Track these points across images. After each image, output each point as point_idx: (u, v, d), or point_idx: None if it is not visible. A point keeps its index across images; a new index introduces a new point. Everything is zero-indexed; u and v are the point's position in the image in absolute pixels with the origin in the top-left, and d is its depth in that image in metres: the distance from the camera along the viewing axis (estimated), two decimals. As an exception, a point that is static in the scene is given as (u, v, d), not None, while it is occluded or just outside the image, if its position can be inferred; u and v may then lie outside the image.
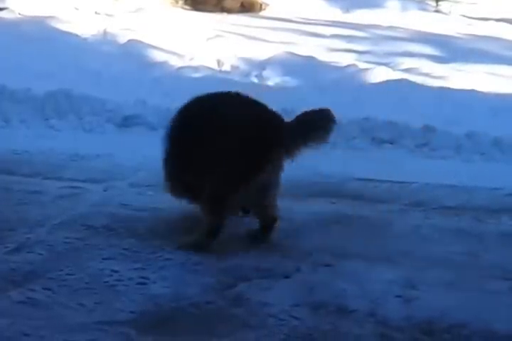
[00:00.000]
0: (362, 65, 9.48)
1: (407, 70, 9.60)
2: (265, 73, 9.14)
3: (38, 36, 9.37)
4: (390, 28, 13.66)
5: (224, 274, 3.92)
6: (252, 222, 4.50)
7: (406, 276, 3.96)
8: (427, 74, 9.44)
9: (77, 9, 11.70)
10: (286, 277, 3.94)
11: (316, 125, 4.40)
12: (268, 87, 8.69)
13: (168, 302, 3.62)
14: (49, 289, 3.67)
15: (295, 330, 3.42)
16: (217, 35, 10.52)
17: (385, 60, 10.41)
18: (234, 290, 3.76)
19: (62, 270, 3.87)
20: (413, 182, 5.57)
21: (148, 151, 5.61)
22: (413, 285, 3.88)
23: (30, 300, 3.56)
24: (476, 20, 14.13)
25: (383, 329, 3.46)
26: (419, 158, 6.41)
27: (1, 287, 3.67)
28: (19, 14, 11.03)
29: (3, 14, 10.94)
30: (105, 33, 10.05)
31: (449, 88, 8.44)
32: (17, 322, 3.35)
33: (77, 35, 9.88)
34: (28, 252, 4.07)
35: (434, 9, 16.79)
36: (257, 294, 3.72)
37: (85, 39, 9.78)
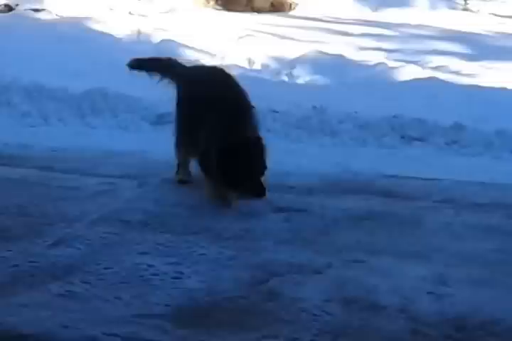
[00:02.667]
0: (391, 64, 9.49)
1: (436, 68, 9.60)
2: (295, 72, 9.19)
3: (75, 36, 9.50)
4: (419, 26, 13.62)
5: (257, 269, 3.96)
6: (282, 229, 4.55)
7: (438, 273, 3.95)
8: (456, 72, 9.43)
9: (111, 10, 11.83)
10: (318, 273, 3.95)
11: None
12: (298, 85, 8.74)
13: (202, 297, 3.66)
14: (87, 282, 3.74)
15: (327, 325, 3.43)
16: (248, 35, 10.58)
17: (414, 58, 10.41)
18: (267, 285, 3.79)
19: (99, 264, 3.94)
20: (443, 180, 5.57)
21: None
22: (445, 281, 3.87)
23: (69, 293, 3.63)
24: (505, 18, 14.06)
25: (415, 326, 3.45)
26: (449, 156, 6.41)
27: (41, 280, 3.74)
28: (56, 15, 11.18)
29: (41, 15, 11.10)
30: (139, 32, 10.17)
31: (478, 86, 8.43)
32: (57, 315, 3.42)
33: (111, 35, 10.00)
34: (67, 246, 4.15)
35: (462, 7, 16.71)
36: (289, 289, 3.75)
37: (120, 39, 9.89)
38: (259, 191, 4.66)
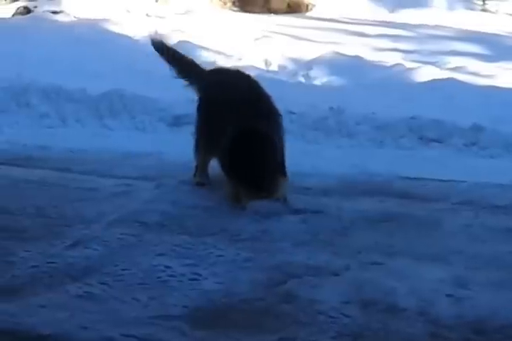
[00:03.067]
0: (408, 64, 9.46)
1: (454, 69, 9.56)
2: (312, 73, 9.17)
3: (92, 38, 9.53)
4: (437, 27, 13.58)
5: (274, 271, 3.95)
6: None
7: (456, 275, 3.92)
8: (474, 73, 9.38)
9: (128, 12, 11.87)
10: (336, 275, 3.94)
11: None
12: (315, 86, 8.72)
13: (219, 298, 3.66)
14: (105, 284, 3.75)
15: (345, 328, 3.42)
16: (265, 36, 10.58)
17: (431, 59, 10.37)
18: (284, 287, 3.78)
19: (117, 265, 3.96)
20: (462, 181, 5.53)
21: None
22: (464, 284, 3.84)
23: (87, 294, 3.65)
24: (524, 19, 13.99)
25: (434, 329, 3.43)
26: (468, 157, 6.37)
27: (60, 281, 3.76)
28: (74, 17, 11.23)
29: (59, 17, 11.15)
30: (156, 34, 10.17)
31: (496, 87, 8.37)
32: (75, 316, 3.44)
33: (129, 37, 10.03)
34: (85, 248, 4.17)
35: (480, 8, 16.64)
36: (306, 291, 3.74)
37: (137, 40, 9.91)
38: (257, 184, 4.65)
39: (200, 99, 5.30)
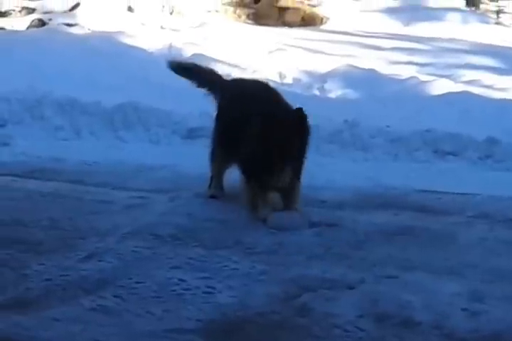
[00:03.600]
0: (423, 78, 9.46)
1: (468, 82, 9.55)
2: (327, 86, 9.18)
3: (107, 51, 9.58)
4: (451, 40, 13.57)
5: (289, 284, 3.93)
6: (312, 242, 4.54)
7: (472, 289, 3.89)
8: (488, 87, 9.38)
9: (143, 24, 11.93)
10: (351, 288, 3.91)
11: None
12: (329, 99, 8.73)
13: (234, 312, 3.64)
14: (119, 297, 3.74)
15: (361, 341, 3.40)
16: (279, 49, 10.61)
17: (446, 72, 10.37)
18: (299, 301, 3.76)
19: (131, 278, 3.94)
20: (477, 195, 5.52)
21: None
22: (479, 298, 3.81)
23: (101, 307, 3.63)
24: (538, 33, 13.99)
25: (449, 342, 3.40)
26: (483, 170, 6.36)
27: (73, 294, 3.75)
28: (88, 30, 11.30)
29: (74, 30, 11.22)
30: (170, 47, 10.23)
31: (511, 100, 8.37)
32: (89, 329, 3.42)
33: (143, 50, 10.08)
34: (99, 260, 4.16)
35: (495, 21, 16.63)
36: (321, 304, 3.71)
37: (151, 53, 9.96)
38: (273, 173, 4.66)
39: (219, 108, 5.30)
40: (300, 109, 4.79)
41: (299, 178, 4.89)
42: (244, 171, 4.90)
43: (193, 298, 3.76)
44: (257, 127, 4.70)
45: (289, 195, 4.90)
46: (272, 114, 4.72)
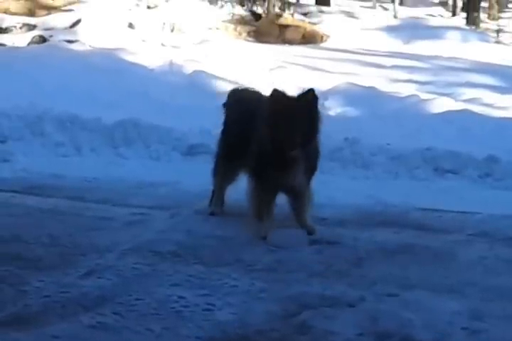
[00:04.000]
0: (423, 96, 9.50)
1: (468, 101, 9.59)
2: (327, 103, 9.20)
3: (107, 67, 9.61)
4: (451, 58, 13.64)
5: (289, 302, 3.91)
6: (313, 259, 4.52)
7: (472, 308, 3.88)
8: (488, 105, 9.42)
9: (144, 41, 11.99)
10: (351, 306, 3.90)
11: None
12: (330, 116, 8.74)
13: (233, 329, 3.62)
14: (118, 314, 3.71)
15: (360, 359, 3.38)
16: (280, 66, 10.65)
17: (446, 90, 10.41)
18: (298, 318, 3.74)
19: (130, 295, 3.92)
20: (477, 213, 5.52)
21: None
22: (479, 316, 3.79)
23: (100, 324, 3.61)
24: (538, 52, 14.07)
25: (449, 361, 3.39)
26: (483, 189, 6.36)
27: (73, 311, 3.73)
28: (89, 46, 11.34)
29: (75, 46, 11.26)
30: (171, 64, 10.26)
31: (511, 118, 8.39)
32: (87, 346, 3.42)
33: (144, 66, 10.11)
34: (98, 277, 4.14)
35: (495, 40, 16.73)
36: (321, 322, 3.69)
37: (152, 70, 10.00)
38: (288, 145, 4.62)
39: (224, 123, 5.32)
40: (311, 90, 4.75)
41: (310, 179, 4.89)
42: (253, 170, 4.88)
43: (192, 315, 3.74)
44: (268, 105, 4.68)
45: (299, 199, 4.89)
46: (282, 93, 4.70)
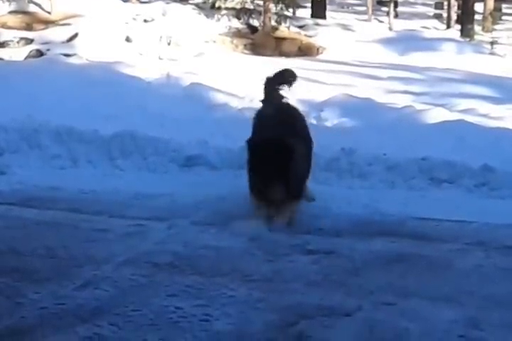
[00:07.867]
0: (419, 106, 9.52)
1: (464, 111, 9.61)
2: (323, 114, 9.23)
3: (105, 80, 9.64)
4: (447, 70, 13.69)
5: (286, 312, 3.92)
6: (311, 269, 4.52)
7: (469, 316, 3.89)
8: (483, 115, 9.44)
9: (141, 55, 12.03)
10: (348, 315, 3.91)
11: None
12: (326, 127, 8.76)
13: (231, 339, 3.63)
14: (115, 325, 3.72)
15: (358, 369, 3.40)
16: (276, 78, 10.63)
17: (441, 101, 10.45)
18: (296, 328, 3.75)
19: (127, 306, 3.93)
20: (473, 222, 5.52)
21: (209, 190, 5.72)
22: (476, 325, 3.81)
23: (97, 335, 3.61)
24: (531, 63, 14.15)
25: (446, 369, 3.40)
26: (479, 198, 6.36)
27: (69, 322, 3.73)
28: (87, 60, 11.38)
29: (72, 60, 11.30)
30: (168, 76, 10.28)
31: (506, 128, 8.43)
32: (84, 357, 3.42)
33: (141, 79, 10.13)
34: (95, 288, 4.14)
35: (489, 52, 16.80)
36: (319, 332, 3.71)
37: (149, 83, 10.02)
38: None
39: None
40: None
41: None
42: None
43: (189, 326, 3.75)
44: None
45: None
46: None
